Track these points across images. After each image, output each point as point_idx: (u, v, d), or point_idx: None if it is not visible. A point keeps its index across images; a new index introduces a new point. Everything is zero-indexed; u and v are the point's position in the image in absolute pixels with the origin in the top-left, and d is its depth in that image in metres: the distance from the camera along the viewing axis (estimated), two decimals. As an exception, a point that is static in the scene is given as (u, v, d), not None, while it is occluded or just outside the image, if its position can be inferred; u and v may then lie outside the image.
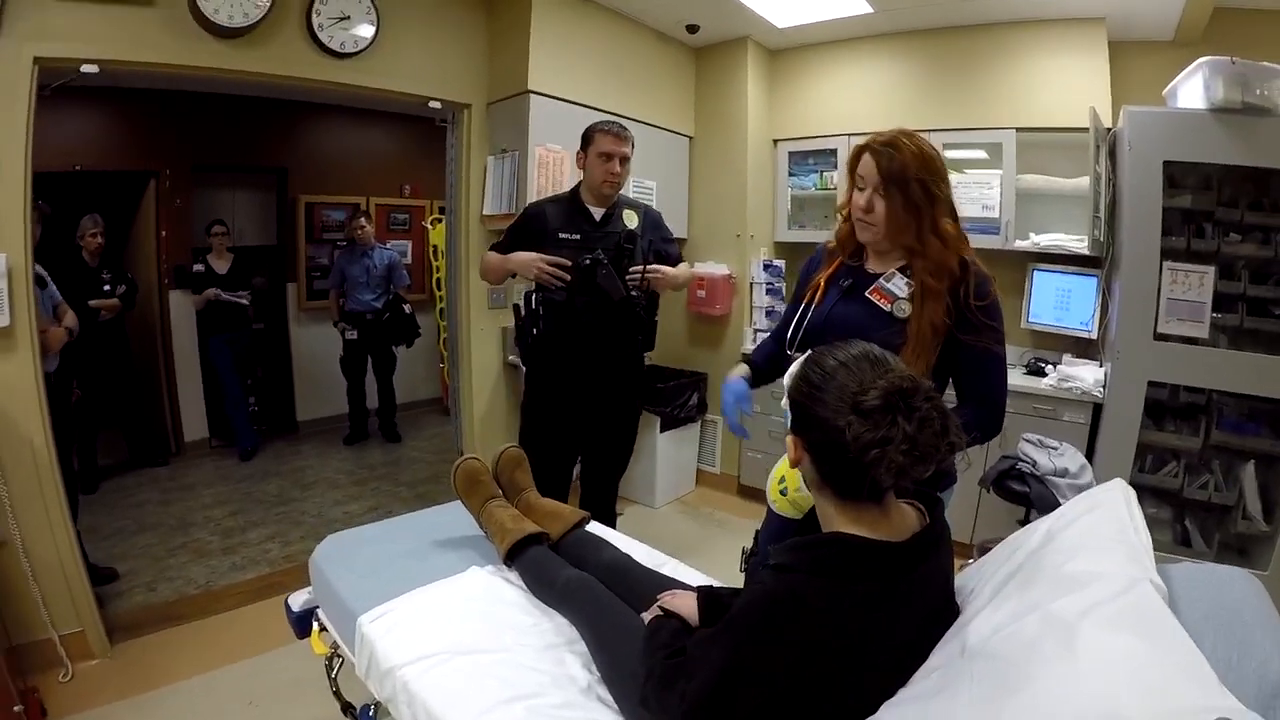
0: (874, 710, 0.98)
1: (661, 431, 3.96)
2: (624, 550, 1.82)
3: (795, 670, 0.96)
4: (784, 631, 0.98)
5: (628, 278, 2.51)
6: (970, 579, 1.21)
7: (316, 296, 5.62)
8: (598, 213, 2.62)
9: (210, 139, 5.01)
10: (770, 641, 0.98)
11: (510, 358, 3.64)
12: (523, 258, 2.52)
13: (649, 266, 2.56)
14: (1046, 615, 0.92)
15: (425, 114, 3.57)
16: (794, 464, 1.12)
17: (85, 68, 2.41)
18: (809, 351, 1.14)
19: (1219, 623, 0.95)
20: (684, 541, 3.59)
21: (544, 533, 1.82)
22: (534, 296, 2.59)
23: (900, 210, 1.50)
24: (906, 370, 1.04)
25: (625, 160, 2.58)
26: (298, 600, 1.90)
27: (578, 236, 2.54)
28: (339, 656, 1.72)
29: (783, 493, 1.44)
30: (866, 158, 1.54)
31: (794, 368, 1.14)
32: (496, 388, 3.68)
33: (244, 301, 4.84)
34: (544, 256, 2.47)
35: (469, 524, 1.98)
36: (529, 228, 2.62)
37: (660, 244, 2.75)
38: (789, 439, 1.11)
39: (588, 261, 2.43)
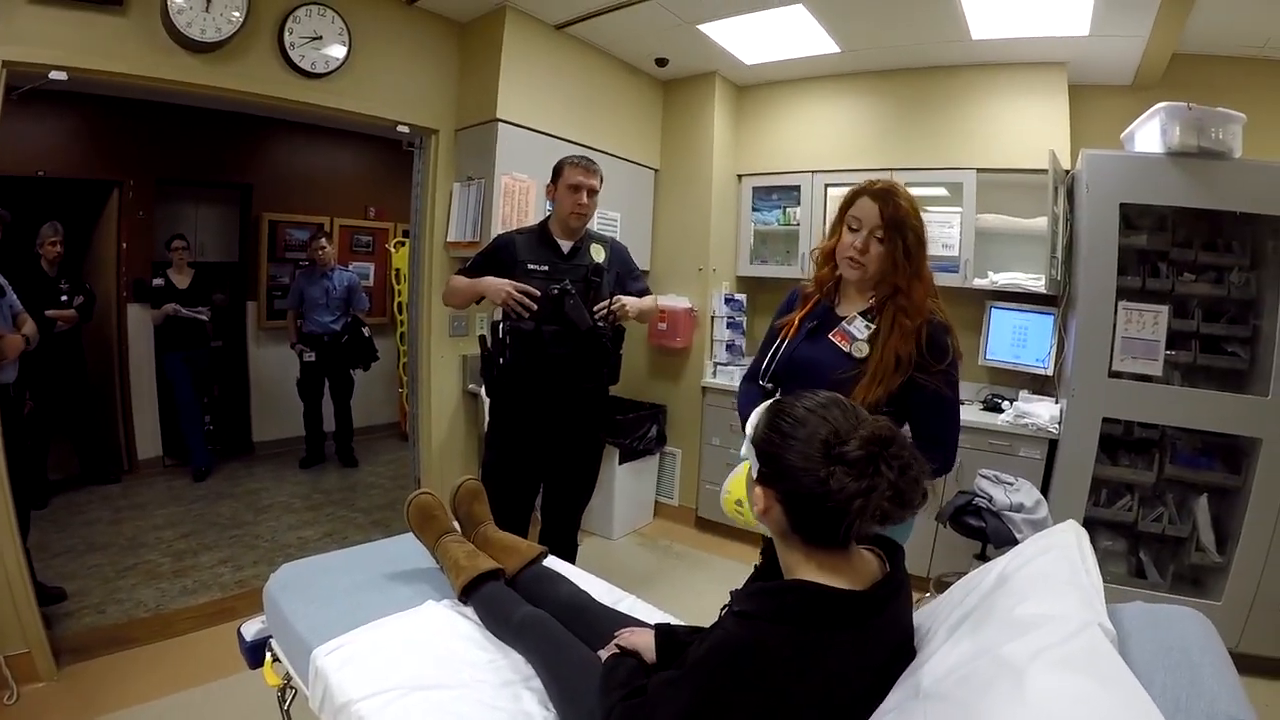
0: None
1: (620, 463, 3.94)
2: (581, 586, 1.79)
3: (757, 717, 0.96)
4: (747, 678, 0.97)
5: (595, 310, 2.52)
6: (926, 618, 1.21)
7: (276, 316, 5.53)
8: (566, 245, 2.63)
9: (176, 151, 4.96)
10: (733, 688, 0.98)
11: (471, 386, 3.59)
12: (493, 282, 2.51)
13: (615, 297, 2.58)
14: (998, 658, 0.92)
15: (393, 136, 3.55)
16: (761, 515, 1.10)
17: (54, 74, 2.35)
18: (771, 401, 1.15)
19: (1169, 662, 0.95)
20: (641, 574, 3.56)
21: (500, 569, 1.79)
22: (501, 326, 2.57)
23: (897, 254, 1.61)
24: (880, 418, 1.05)
25: (593, 193, 2.61)
26: (250, 629, 1.84)
27: (546, 268, 2.54)
28: (292, 688, 1.67)
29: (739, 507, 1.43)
30: (866, 201, 1.63)
31: (756, 416, 1.12)
32: (456, 416, 3.62)
33: (203, 318, 4.75)
34: (514, 283, 2.47)
35: (426, 555, 1.94)
36: (497, 256, 2.61)
37: (626, 278, 2.77)
38: (757, 491, 1.09)
39: (556, 291, 2.44)
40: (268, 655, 1.76)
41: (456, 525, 1.98)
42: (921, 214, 1.66)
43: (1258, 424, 2.78)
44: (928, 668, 1.01)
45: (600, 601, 1.71)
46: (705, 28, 3.44)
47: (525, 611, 1.61)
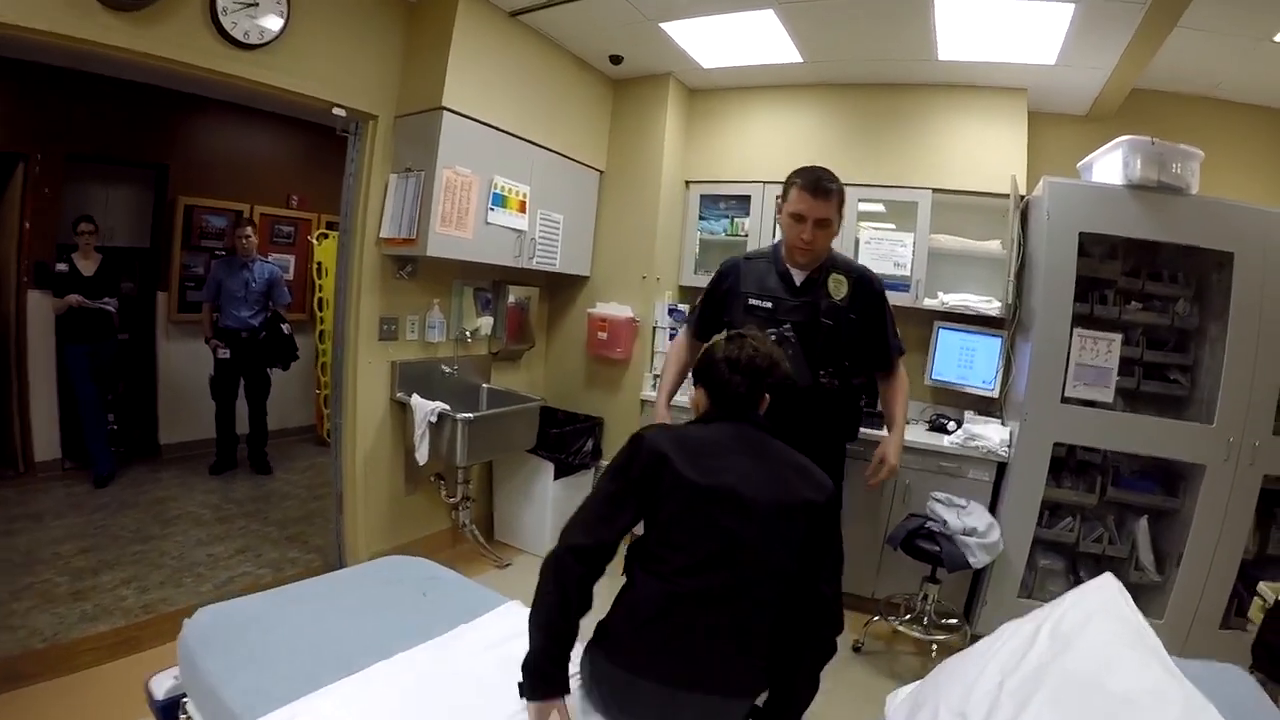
0: None
1: (555, 478, 3.75)
2: None
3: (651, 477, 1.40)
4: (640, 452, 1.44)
5: (819, 366, 2.12)
6: (966, 673, 1.16)
7: (189, 309, 5.15)
8: (799, 276, 2.21)
9: (89, 125, 4.60)
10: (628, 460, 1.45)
11: (399, 395, 3.32)
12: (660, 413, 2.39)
13: (881, 458, 2.25)
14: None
15: (323, 121, 3.26)
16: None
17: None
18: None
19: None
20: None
21: None
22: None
23: None
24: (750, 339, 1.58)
25: (823, 225, 2.11)
26: (161, 685, 1.59)
27: (769, 305, 2.18)
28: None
29: None
30: None
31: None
32: (382, 427, 3.34)
33: (109, 309, 4.40)
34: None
35: (365, 596, 1.74)
36: (719, 289, 2.30)
37: (870, 328, 2.25)
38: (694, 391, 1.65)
39: (773, 336, 2.06)
40: (182, 718, 1.51)
41: None
42: None
43: (1202, 450, 2.87)
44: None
45: None
46: (667, 26, 3.30)
47: None
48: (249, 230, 4.78)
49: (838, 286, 2.20)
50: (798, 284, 2.22)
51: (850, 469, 2.47)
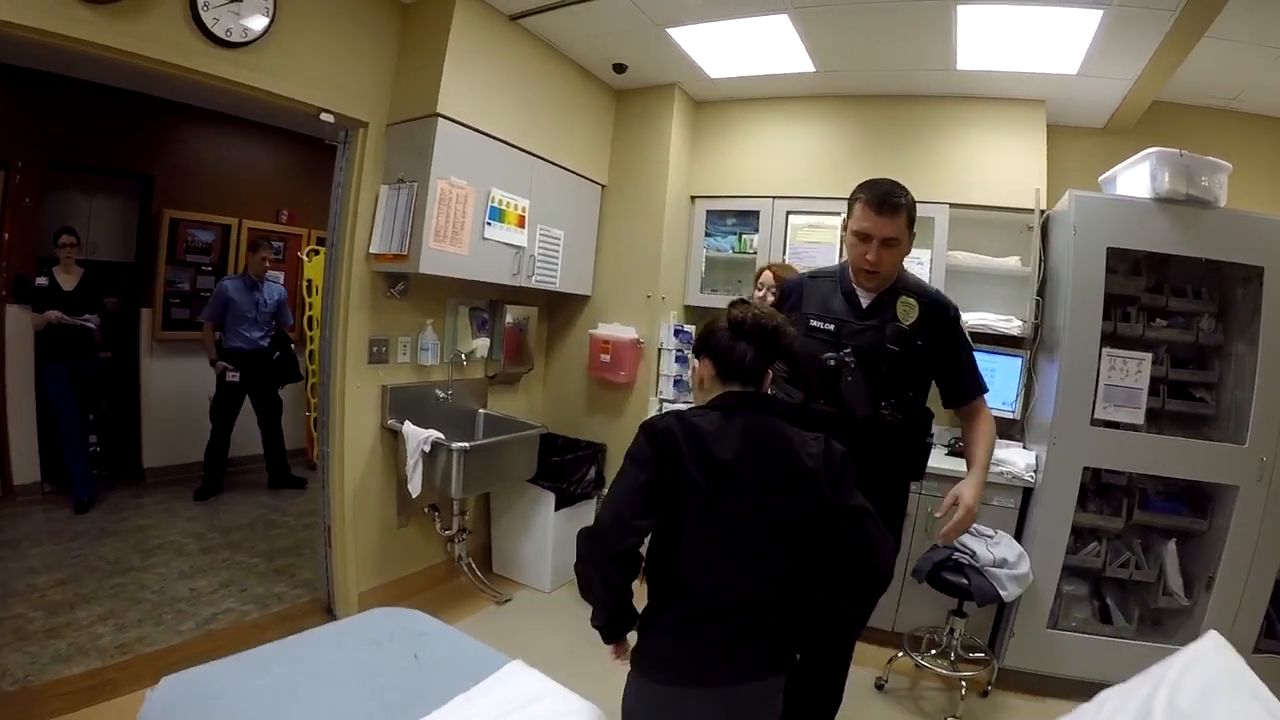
0: None
1: (557, 509, 3.56)
2: None
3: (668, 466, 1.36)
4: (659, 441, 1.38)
5: (882, 403, 1.94)
6: None
7: (174, 326, 5.01)
8: (866, 298, 2.02)
9: (72, 133, 4.46)
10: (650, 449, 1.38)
11: (390, 422, 3.14)
12: None
13: (956, 497, 1.90)
14: None
15: (312, 132, 3.10)
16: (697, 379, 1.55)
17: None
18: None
19: None
20: (582, 634, 3.17)
21: None
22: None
23: None
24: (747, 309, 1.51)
25: (891, 243, 1.91)
26: None
27: (831, 328, 2.00)
28: None
29: None
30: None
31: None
32: (373, 456, 3.15)
33: (91, 325, 4.26)
34: None
35: (349, 660, 1.57)
36: (784, 306, 2.14)
37: (942, 356, 2.02)
38: (694, 363, 1.57)
39: (832, 362, 1.94)
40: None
41: None
42: None
43: (1235, 471, 2.80)
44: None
45: None
46: (675, 32, 3.17)
47: None
48: (268, 253, 4.74)
49: (907, 311, 1.98)
50: (864, 306, 2.04)
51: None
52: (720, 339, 1.45)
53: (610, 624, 1.44)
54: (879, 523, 1.42)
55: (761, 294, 2.77)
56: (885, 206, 1.88)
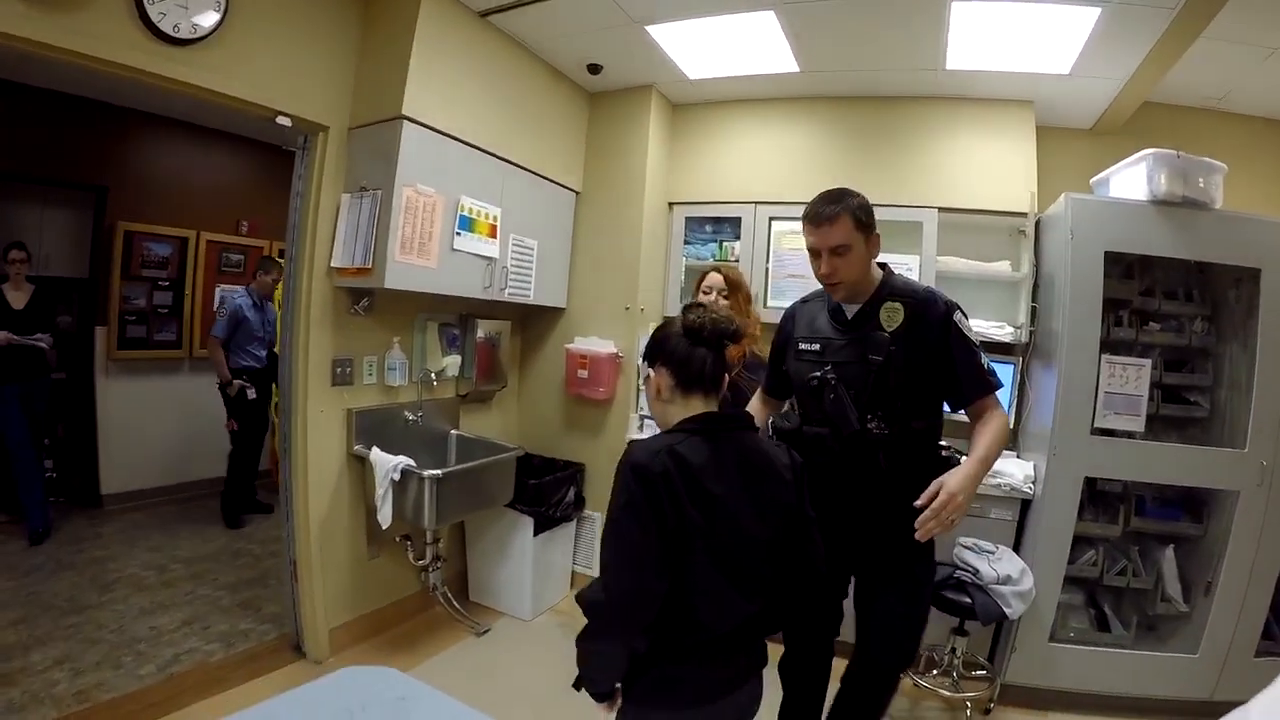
0: None
1: (535, 534, 3.39)
2: None
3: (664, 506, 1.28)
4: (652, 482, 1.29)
5: (868, 416, 1.83)
6: None
7: (130, 345, 4.80)
8: (851, 309, 1.94)
9: (20, 141, 4.28)
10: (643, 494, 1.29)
11: (357, 448, 2.95)
12: None
13: (941, 483, 1.68)
14: None
15: (272, 139, 2.92)
16: (652, 389, 1.50)
17: None
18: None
19: None
20: (567, 668, 3.01)
21: None
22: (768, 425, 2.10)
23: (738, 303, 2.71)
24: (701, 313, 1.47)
25: (842, 250, 1.84)
26: None
27: (817, 348, 1.94)
28: None
29: None
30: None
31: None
32: (340, 485, 2.96)
33: (43, 345, 4.07)
34: None
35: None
36: (778, 339, 2.11)
37: (934, 358, 1.86)
38: (651, 376, 1.53)
39: (814, 381, 1.88)
40: None
41: None
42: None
43: (1235, 476, 2.77)
44: None
45: None
46: (654, 29, 3.03)
47: None
48: (279, 274, 4.65)
49: (891, 316, 1.87)
50: (849, 318, 1.95)
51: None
52: (677, 346, 1.40)
53: (613, 685, 1.39)
54: (818, 529, 1.51)
55: (712, 297, 2.66)
56: (819, 218, 1.86)
